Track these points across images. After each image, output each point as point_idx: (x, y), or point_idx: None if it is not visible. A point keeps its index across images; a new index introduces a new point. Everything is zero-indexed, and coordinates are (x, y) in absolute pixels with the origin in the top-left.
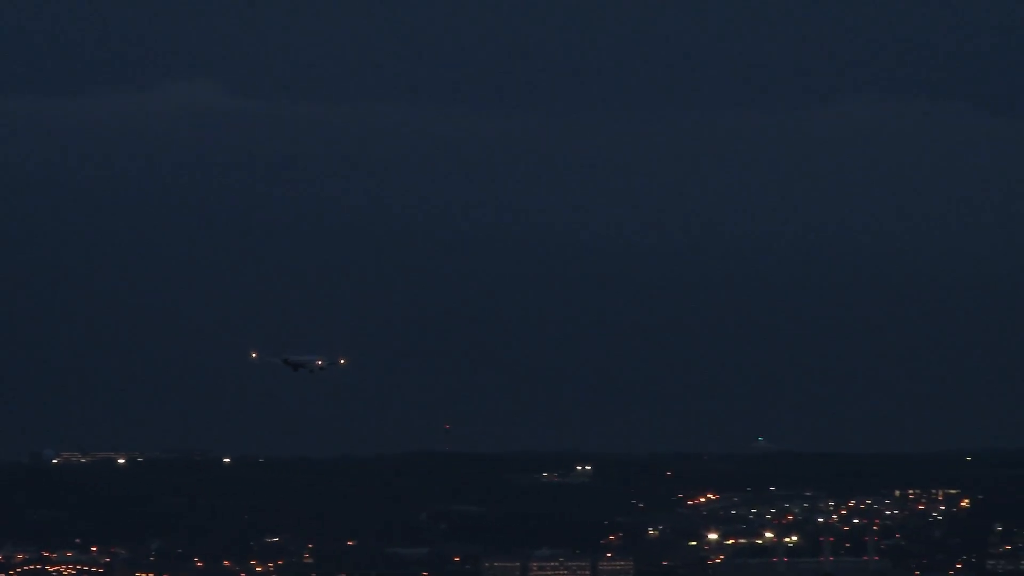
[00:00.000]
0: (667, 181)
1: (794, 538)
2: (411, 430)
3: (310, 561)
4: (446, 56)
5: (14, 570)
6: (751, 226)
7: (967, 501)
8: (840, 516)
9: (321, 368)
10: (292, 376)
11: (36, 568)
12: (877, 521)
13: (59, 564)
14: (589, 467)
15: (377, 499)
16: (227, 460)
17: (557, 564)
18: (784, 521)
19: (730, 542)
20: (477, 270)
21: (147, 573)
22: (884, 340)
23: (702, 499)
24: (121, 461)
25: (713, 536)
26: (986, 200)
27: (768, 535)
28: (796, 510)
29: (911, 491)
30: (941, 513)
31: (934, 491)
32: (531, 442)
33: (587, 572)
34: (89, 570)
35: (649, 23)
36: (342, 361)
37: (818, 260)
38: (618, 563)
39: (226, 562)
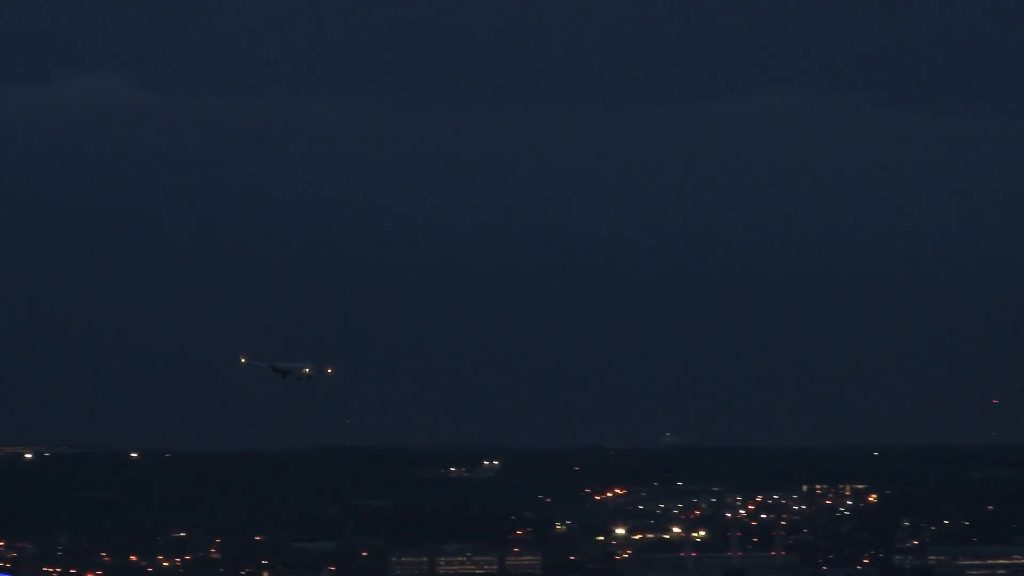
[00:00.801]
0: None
1: (702, 533)
2: (320, 425)
3: (217, 556)
4: (362, 52)
5: None
6: (650, 218)
7: (874, 496)
8: (748, 511)
9: (308, 375)
10: (199, 372)
11: None
12: (785, 516)
13: None
14: (496, 462)
15: (285, 494)
16: (134, 455)
17: (464, 559)
18: (692, 516)
19: (637, 537)
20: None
21: (54, 568)
22: (788, 335)
23: (609, 494)
24: (28, 456)
25: (620, 531)
26: (890, 190)
27: (676, 530)
28: (704, 505)
29: (819, 486)
30: (849, 508)
31: (842, 486)
32: (439, 436)
33: (494, 567)
34: None
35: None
36: (328, 370)
37: (709, 253)
38: (525, 558)
39: (133, 556)
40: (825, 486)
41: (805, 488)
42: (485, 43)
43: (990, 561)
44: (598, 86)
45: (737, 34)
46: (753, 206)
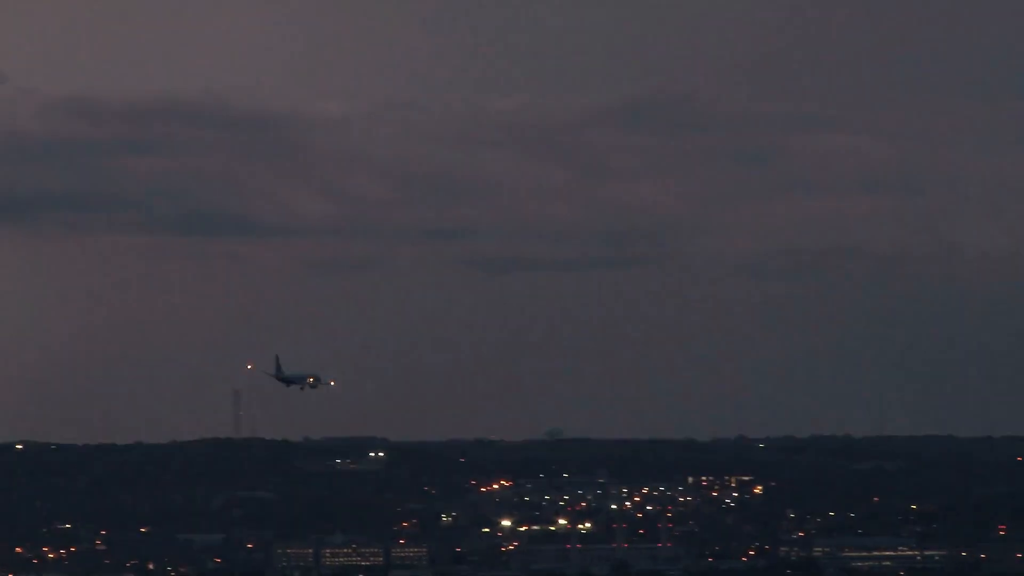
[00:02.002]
0: None
1: (587, 525)
2: (207, 416)
3: (103, 548)
4: None
5: None
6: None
7: (759, 488)
8: (633, 503)
9: (312, 385)
10: (85, 360)
11: None
12: (670, 508)
13: None
14: (382, 453)
15: (171, 486)
16: (20, 447)
17: (350, 551)
18: (577, 508)
19: (523, 529)
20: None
21: None
22: (676, 326)
23: (495, 486)
24: None
25: (506, 523)
26: None
27: (561, 522)
28: (589, 497)
29: (704, 478)
30: (734, 500)
31: (727, 478)
32: (325, 428)
33: (380, 559)
34: None
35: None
36: (332, 383)
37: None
38: (411, 550)
39: (18, 549)
40: (710, 478)
41: (690, 480)
42: None
43: (875, 553)
44: None
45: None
46: None
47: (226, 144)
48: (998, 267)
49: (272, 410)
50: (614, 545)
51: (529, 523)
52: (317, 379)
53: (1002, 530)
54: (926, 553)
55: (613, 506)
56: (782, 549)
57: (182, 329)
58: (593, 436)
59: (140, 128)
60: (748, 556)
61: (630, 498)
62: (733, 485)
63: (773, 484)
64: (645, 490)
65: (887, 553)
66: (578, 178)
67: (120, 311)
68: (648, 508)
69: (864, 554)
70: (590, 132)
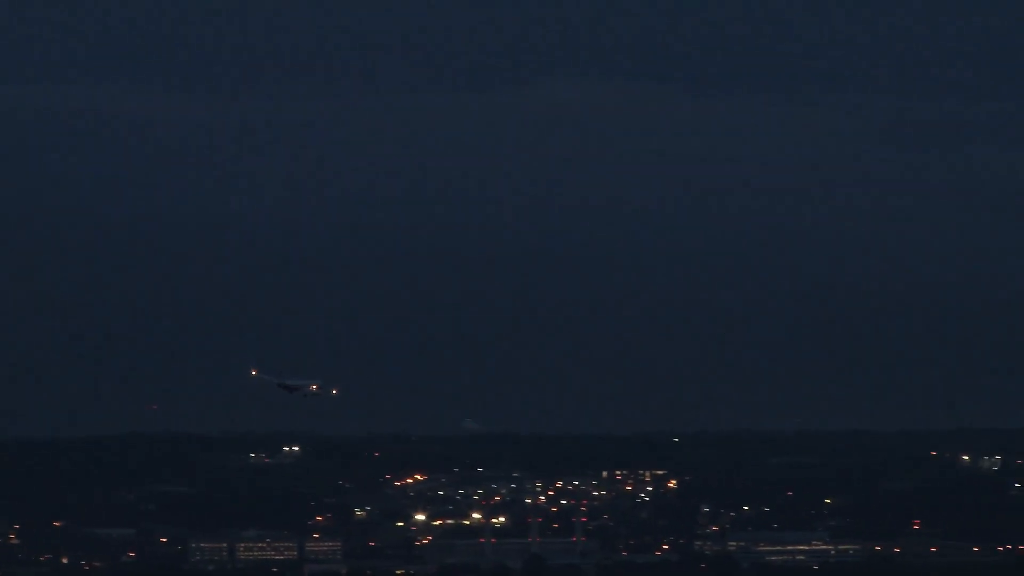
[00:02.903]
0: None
1: (502, 519)
2: (120, 410)
3: (16, 542)
4: None
5: None
6: (462, 204)
7: (674, 482)
8: (548, 497)
9: (315, 392)
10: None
11: None
12: (585, 502)
13: None
14: (297, 448)
15: (85, 480)
16: None
17: (264, 545)
18: (492, 502)
19: (438, 523)
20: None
21: None
22: (587, 322)
23: (410, 480)
24: None
25: (421, 517)
26: (692, 178)
27: (476, 516)
28: (504, 491)
29: (618, 472)
30: (648, 494)
31: (641, 472)
32: (240, 423)
33: (294, 553)
34: None
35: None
36: (334, 391)
37: (501, 236)
38: (325, 544)
39: None
40: (624, 472)
41: (605, 474)
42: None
43: (790, 547)
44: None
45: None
46: (545, 188)
47: None
48: (909, 267)
49: (187, 404)
50: (528, 539)
51: (443, 517)
52: (321, 386)
53: (916, 525)
54: (840, 547)
55: (527, 500)
56: (697, 543)
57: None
58: (508, 431)
59: None
60: (662, 550)
61: (544, 492)
62: (648, 479)
63: (688, 478)
64: (559, 484)
65: (801, 547)
66: None
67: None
68: (562, 502)
69: (778, 548)
70: None
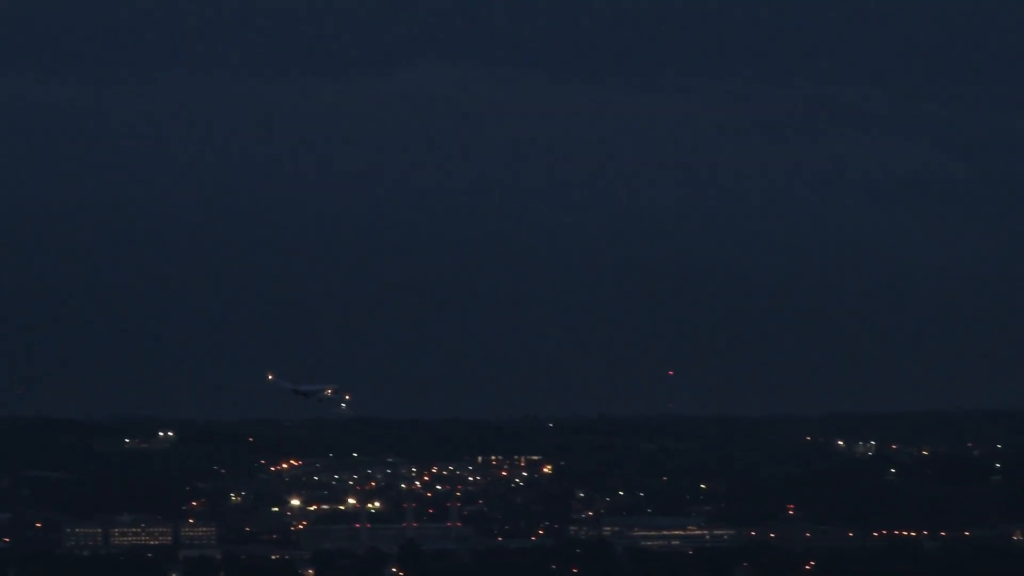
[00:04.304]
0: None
1: (377, 504)
2: None
3: None
4: None
5: None
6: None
7: (549, 467)
8: (423, 482)
9: (330, 397)
10: None
11: None
12: (460, 487)
13: None
14: (172, 433)
15: None
16: None
17: (139, 530)
18: (367, 487)
19: (313, 508)
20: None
21: None
22: (469, 307)
23: (285, 465)
24: None
25: (296, 502)
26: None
27: (351, 501)
28: (379, 476)
29: (493, 457)
30: (523, 479)
31: (516, 457)
32: (115, 408)
33: (169, 538)
34: None
35: None
36: (347, 397)
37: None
38: (200, 529)
39: None
40: (500, 458)
41: (480, 459)
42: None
43: (664, 532)
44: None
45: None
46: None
47: None
48: (779, 253)
49: (60, 389)
50: (404, 524)
51: (318, 502)
52: (336, 390)
53: (791, 510)
54: (715, 532)
55: (403, 485)
56: (572, 528)
57: None
58: (383, 416)
59: None
60: (537, 535)
61: (420, 478)
62: (523, 465)
63: (563, 464)
64: (435, 469)
65: (676, 532)
66: None
67: None
68: (438, 487)
69: (653, 533)
70: None
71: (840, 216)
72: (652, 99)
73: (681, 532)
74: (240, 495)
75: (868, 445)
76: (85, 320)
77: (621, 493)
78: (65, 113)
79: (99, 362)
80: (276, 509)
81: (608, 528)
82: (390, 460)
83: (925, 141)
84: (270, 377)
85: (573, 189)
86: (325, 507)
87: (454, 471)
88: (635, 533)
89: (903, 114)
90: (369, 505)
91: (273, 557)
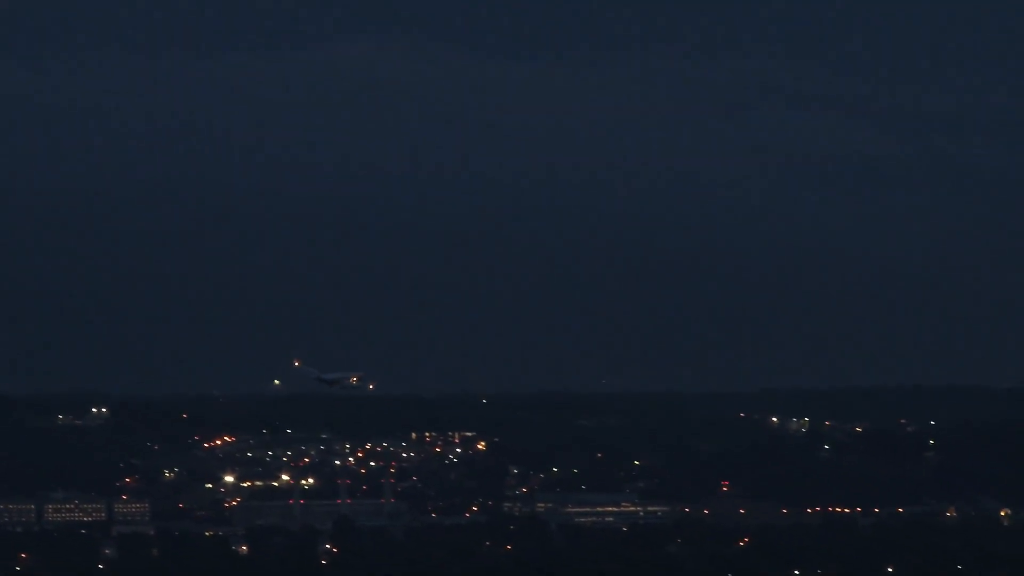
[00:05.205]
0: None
1: (310, 481)
2: None
3: None
4: None
5: None
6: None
7: (483, 444)
8: (357, 459)
9: (354, 385)
10: None
11: None
12: (393, 464)
13: None
14: (105, 409)
15: None
16: None
17: (72, 507)
18: (301, 464)
19: (246, 485)
20: None
21: None
22: (401, 280)
23: (218, 441)
24: None
25: (229, 479)
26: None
27: (285, 478)
28: (313, 452)
29: (428, 434)
30: (457, 456)
31: (450, 433)
32: (48, 384)
33: (102, 514)
34: None
35: None
36: (371, 386)
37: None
38: (133, 505)
39: None
40: (434, 434)
41: (414, 436)
42: None
43: (598, 508)
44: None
45: None
46: (344, 149)
47: None
48: (709, 230)
49: None
50: (337, 501)
51: (252, 479)
52: (360, 378)
53: (725, 486)
54: (649, 509)
55: (336, 462)
56: (506, 505)
57: None
58: (317, 392)
59: None
60: (471, 512)
61: (353, 454)
62: (457, 441)
63: (497, 440)
64: (369, 446)
65: (610, 509)
66: None
67: None
68: (371, 464)
69: (587, 510)
70: None
71: (775, 193)
72: (583, 75)
73: (615, 509)
74: (173, 472)
75: (802, 422)
76: (17, 295)
77: (555, 470)
78: None
79: (31, 338)
80: (210, 486)
81: (542, 505)
82: (324, 437)
83: (862, 120)
84: (296, 364)
85: (494, 167)
86: (259, 484)
87: (388, 448)
88: (569, 510)
89: (841, 92)
90: (303, 482)
91: (207, 534)
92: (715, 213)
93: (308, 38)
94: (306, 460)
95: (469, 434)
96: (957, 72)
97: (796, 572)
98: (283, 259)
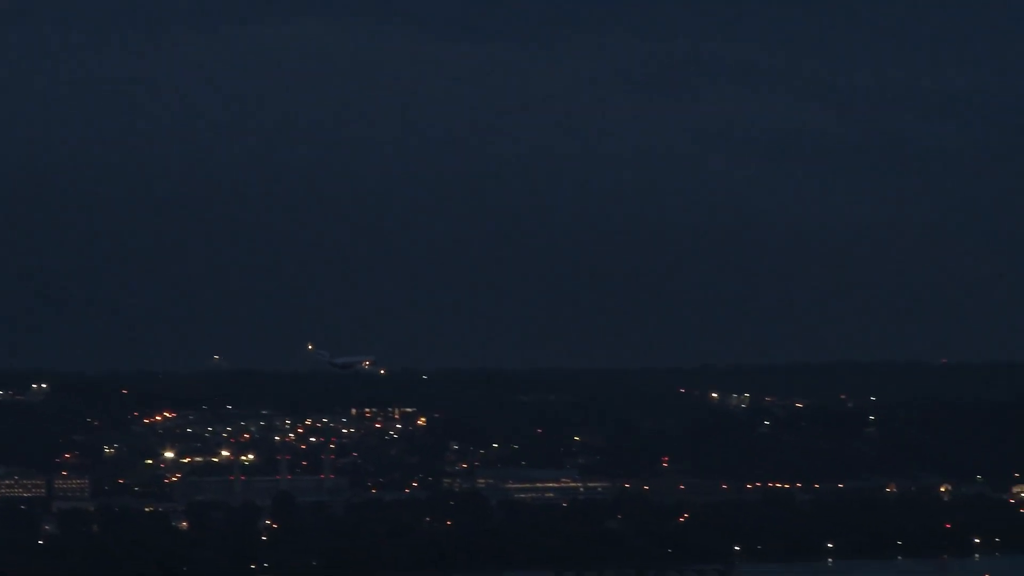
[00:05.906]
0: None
1: (251, 456)
2: None
3: None
4: None
5: None
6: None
7: (423, 420)
8: (297, 435)
9: (367, 368)
10: None
11: None
12: (334, 439)
13: None
14: (45, 385)
15: None
16: None
17: (12, 482)
18: (241, 439)
19: (186, 460)
20: None
21: None
22: (344, 259)
23: (159, 417)
24: None
25: (170, 455)
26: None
27: (225, 453)
28: (253, 428)
29: (368, 409)
30: (398, 432)
31: (391, 409)
32: None
33: (42, 491)
34: None
35: None
36: (382, 371)
37: (253, 184)
38: (74, 482)
39: None
40: (374, 410)
41: (354, 411)
42: None
43: (539, 484)
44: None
45: None
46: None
47: None
48: (649, 207)
49: None
50: (277, 477)
51: (192, 455)
52: (373, 362)
53: (665, 461)
54: (589, 484)
55: (276, 438)
56: (446, 481)
57: None
58: (256, 368)
59: None
60: (411, 487)
61: (293, 430)
62: (397, 417)
63: (437, 416)
64: (308, 422)
65: (551, 485)
66: None
67: None
68: (311, 440)
69: (527, 486)
70: None
71: (719, 172)
72: (529, 55)
73: (555, 484)
74: (114, 447)
75: (742, 397)
76: None
77: (495, 445)
78: None
79: None
80: (150, 461)
81: (482, 480)
82: (264, 412)
83: (808, 99)
84: (309, 347)
85: (430, 142)
86: (199, 459)
87: (328, 424)
88: (509, 486)
89: (787, 71)
90: (243, 457)
91: (147, 509)
92: (656, 190)
93: (246, 18)
94: (246, 436)
95: (409, 410)
96: (913, 49)
97: (736, 547)
98: (208, 234)
